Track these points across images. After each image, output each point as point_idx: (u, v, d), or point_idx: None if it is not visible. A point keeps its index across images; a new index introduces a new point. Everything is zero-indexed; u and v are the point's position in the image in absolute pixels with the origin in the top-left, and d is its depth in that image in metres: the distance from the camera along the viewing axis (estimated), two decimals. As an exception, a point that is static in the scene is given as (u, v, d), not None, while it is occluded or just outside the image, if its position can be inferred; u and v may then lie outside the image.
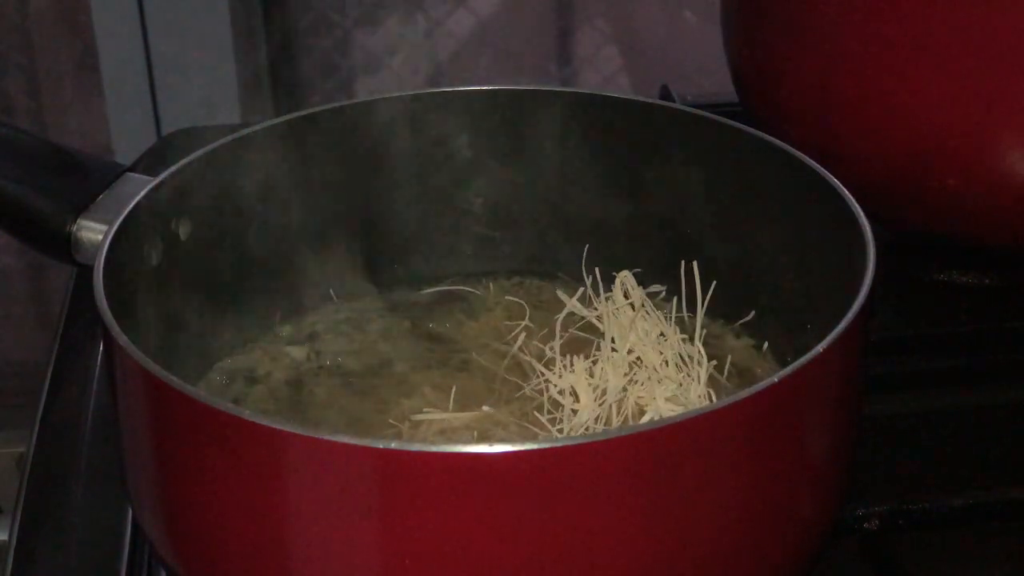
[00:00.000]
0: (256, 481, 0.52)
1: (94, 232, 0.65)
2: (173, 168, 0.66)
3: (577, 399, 0.65)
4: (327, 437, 0.51)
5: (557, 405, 0.65)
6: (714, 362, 0.67)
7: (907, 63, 0.78)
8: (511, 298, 0.74)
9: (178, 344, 0.67)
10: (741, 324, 0.71)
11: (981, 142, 0.78)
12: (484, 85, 0.74)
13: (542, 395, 0.66)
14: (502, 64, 1.55)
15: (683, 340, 0.68)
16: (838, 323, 0.55)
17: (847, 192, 0.63)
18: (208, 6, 1.36)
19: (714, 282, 0.69)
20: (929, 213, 0.81)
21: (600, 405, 0.64)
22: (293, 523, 0.53)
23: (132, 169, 0.68)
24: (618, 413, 0.64)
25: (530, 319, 0.71)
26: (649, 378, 0.65)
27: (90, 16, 1.38)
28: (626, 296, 0.69)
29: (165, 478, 0.57)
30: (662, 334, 0.68)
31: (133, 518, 0.69)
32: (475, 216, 0.76)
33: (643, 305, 0.69)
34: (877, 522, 0.68)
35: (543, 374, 0.66)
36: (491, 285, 0.76)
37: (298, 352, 0.71)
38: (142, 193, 0.64)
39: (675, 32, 1.54)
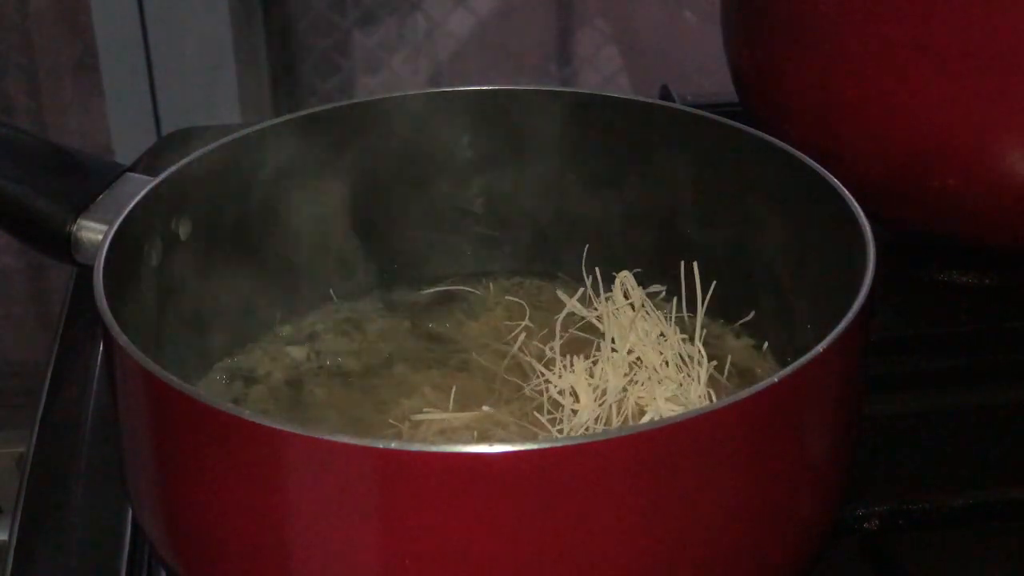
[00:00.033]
0: (256, 481, 0.52)
1: (94, 232, 0.65)
2: (173, 168, 0.66)
3: (577, 399, 0.65)
4: (327, 437, 0.51)
5: (557, 405, 0.65)
6: (714, 362, 0.67)
7: (907, 63, 0.78)
8: (511, 298, 0.74)
9: (178, 344, 0.67)
10: (741, 324, 0.71)
11: (981, 142, 0.78)
12: (484, 85, 0.74)
13: (542, 395, 0.66)
14: (502, 64, 1.55)
15: (683, 340, 0.68)
16: (838, 323, 0.55)
17: (847, 192, 0.63)
18: (208, 6, 1.36)
19: (714, 282, 0.69)
20: (929, 213, 0.81)
21: (600, 405, 0.64)
22: (293, 523, 0.53)
23: (132, 169, 0.68)
24: (618, 413, 0.64)
25: (530, 319, 0.71)
26: (649, 378, 0.65)
27: (90, 16, 1.38)
28: (626, 296, 0.69)
29: (165, 478, 0.57)
30: (662, 334, 0.68)
31: (133, 518, 0.69)
32: (475, 216, 0.76)
33: (643, 305, 0.69)
34: (877, 522, 0.68)
35: (543, 374, 0.66)
36: (491, 285, 0.76)
37: (298, 352, 0.71)
38: (142, 193, 0.64)
39: (675, 32, 1.54)
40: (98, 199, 0.66)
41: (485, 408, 0.66)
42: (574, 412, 0.64)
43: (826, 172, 0.64)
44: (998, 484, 0.71)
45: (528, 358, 0.69)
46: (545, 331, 0.70)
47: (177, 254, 0.66)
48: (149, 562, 0.68)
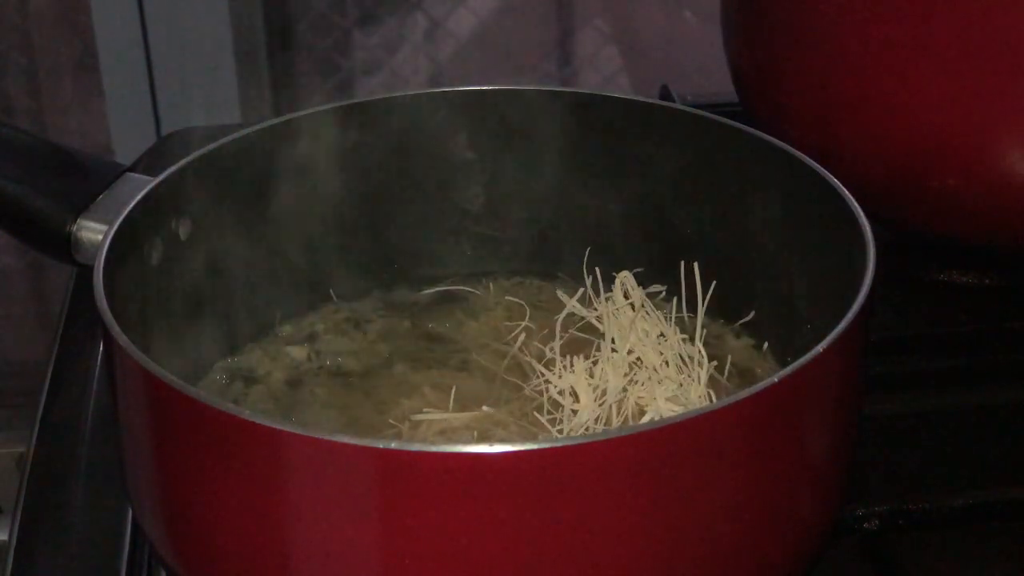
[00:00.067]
0: (256, 481, 0.52)
1: (94, 232, 0.65)
2: (173, 168, 0.66)
3: (577, 399, 0.65)
4: (327, 437, 0.51)
5: (557, 405, 0.65)
6: (714, 363, 0.67)
7: (907, 63, 0.78)
8: (511, 298, 0.74)
9: (178, 344, 0.67)
10: (741, 324, 0.71)
11: (981, 142, 0.78)
12: (484, 85, 0.73)
13: (542, 395, 0.66)
14: (502, 64, 1.55)
15: (683, 340, 0.68)
16: (838, 323, 0.55)
17: (847, 192, 0.63)
18: (208, 6, 1.37)
19: (714, 282, 0.69)
20: (929, 213, 0.81)
21: (600, 405, 0.64)
22: (293, 523, 0.53)
23: (132, 169, 0.68)
24: (618, 413, 0.64)
25: (530, 319, 0.71)
26: (649, 378, 0.65)
27: (90, 16, 1.38)
28: (626, 296, 0.69)
29: (165, 478, 0.57)
30: (662, 334, 0.68)
31: (133, 518, 0.69)
32: (475, 216, 0.76)
33: (643, 306, 0.69)
34: (877, 522, 0.68)
35: (543, 374, 0.66)
36: (491, 285, 0.76)
37: (298, 352, 0.71)
38: (142, 193, 0.64)
39: (675, 32, 1.54)
40: (98, 199, 0.66)
41: (485, 408, 0.66)
42: (574, 412, 0.64)
43: (826, 172, 0.64)
44: (998, 484, 0.71)
45: (528, 358, 0.69)
46: (545, 331, 0.70)
47: (177, 254, 0.66)
48: (149, 562, 0.68)
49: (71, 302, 0.87)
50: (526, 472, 0.50)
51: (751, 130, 0.69)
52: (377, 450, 0.50)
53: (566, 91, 0.73)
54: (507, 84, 0.73)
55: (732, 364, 0.68)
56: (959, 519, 0.68)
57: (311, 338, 0.72)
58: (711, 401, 0.65)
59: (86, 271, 0.61)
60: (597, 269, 0.72)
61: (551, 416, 0.65)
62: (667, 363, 0.66)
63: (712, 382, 0.66)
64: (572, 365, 0.66)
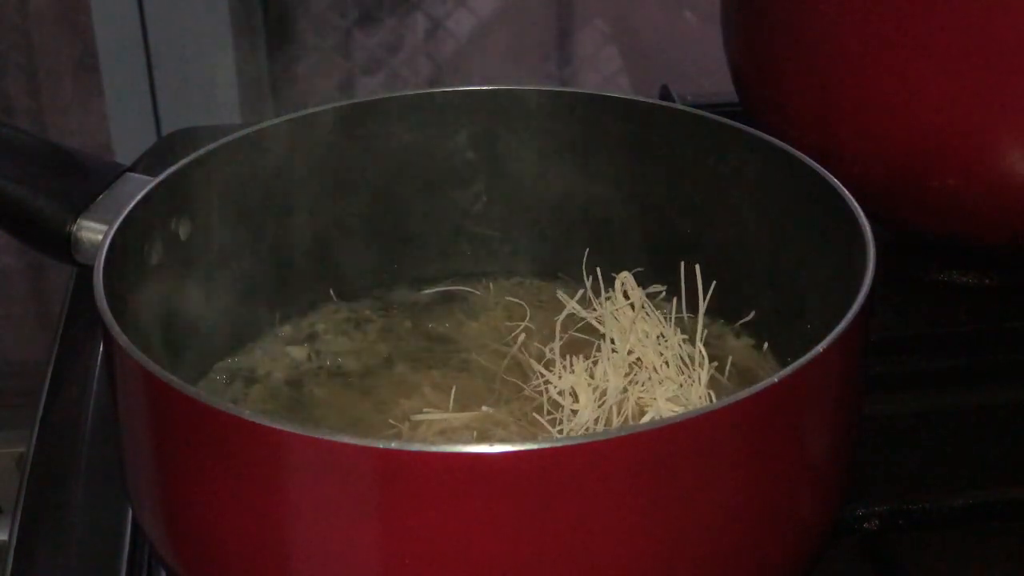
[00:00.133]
0: (256, 481, 0.52)
1: (94, 232, 0.65)
2: (173, 168, 0.66)
3: (577, 400, 0.65)
4: (327, 437, 0.51)
5: (557, 406, 0.65)
6: (715, 363, 0.67)
7: (907, 63, 0.78)
8: (511, 298, 0.74)
9: (178, 344, 0.67)
10: (741, 324, 0.71)
11: (981, 142, 0.78)
12: (484, 85, 0.73)
13: (542, 396, 0.66)
14: (502, 64, 1.55)
15: (684, 341, 0.68)
16: (838, 323, 0.55)
17: (847, 192, 0.63)
18: (208, 6, 1.36)
19: (714, 282, 0.69)
20: (929, 213, 0.81)
21: (600, 406, 0.64)
22: (293, 523, 0.53)
23: (132, 169, 0.68)
24: (618, 414, 0.64)
25: (530, 319, 0.71)
26: (649, 378, 0.65)
27: (90, 16, 1.38)
28: (626, 296, 0.69)
29: (165, 478, 0.57)
30: (662, 335, 0.68)
31: (133, 518, 0.69)
32: (475, 216, 0.76)
33: (643, 306, 0.69)
34: (877, 522, 0.68)
35: (543, 375, 0.66)
36: (491, 285, 0.76)
37: (298, 352, 0.71)
38: (142, 193, 0.64)
39: (675, 32, 1.54)
40: (98, 199, 0.66)
41: (485, 408, 0.66)
42: (574, 412, 0.64)
43: (826, 172, 0.64)
44: (998, 484, 0.71)
45: (528, 358, 0.69)
46: (545, 332, 0.70)
47: (177, 254, 0.66)
48: (149, 562, 0.68)
49: (71, 302, 0.87)
50: (526, 472, 0.50)
51: (751, 130, 0.69)
52: (377, 450, 0.50)
53: (566, 91, 0.73)
54: (507, 84, 0.73)
55: (732, 364, 0.68)
56: (959, 519, 0.68)
57: (311, 338, 0.73)
58: (711, 401, 0.65)
59: (86, 271, 0.61)
60: (598, 269, 0.72)
61: (551, 416, 0.65)
62: (667, 363, 0.66)
63: (712, 382, 0.66)
64: (572, 366, 0.66)
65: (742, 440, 0.53)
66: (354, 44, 1.52)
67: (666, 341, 0.67)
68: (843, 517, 0.65)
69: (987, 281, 0.85)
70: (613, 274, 0.70)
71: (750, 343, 0.70)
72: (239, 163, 0.69)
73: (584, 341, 0.69)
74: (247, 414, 0.52)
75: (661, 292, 0.71)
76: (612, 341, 0.67)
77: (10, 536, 0.70)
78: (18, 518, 0.71)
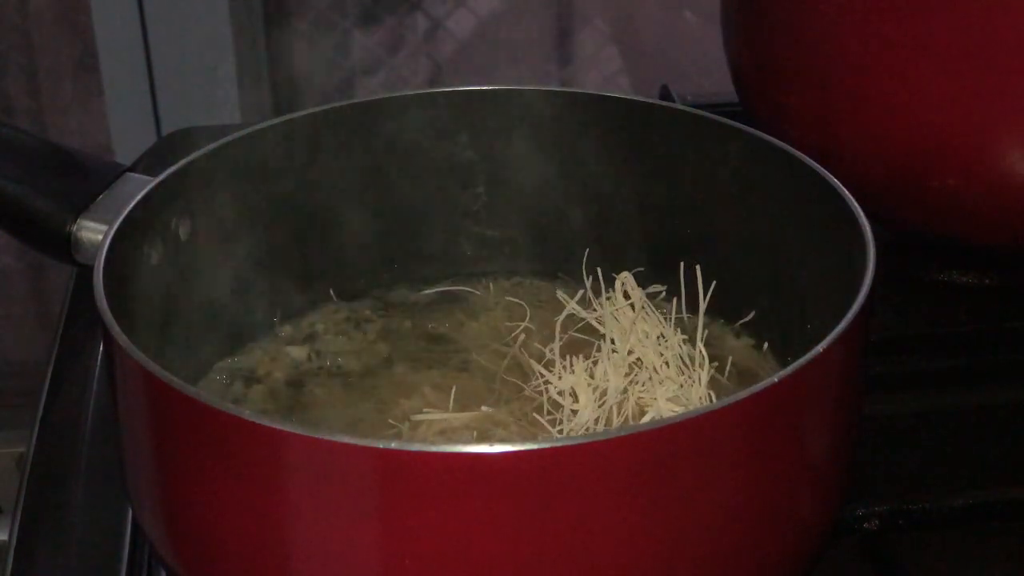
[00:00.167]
0: (256, 481, 0.52)
1: (94, 232, 0.65)
2: (173, 168, 0.66)
3: (577, 400, 0.65)
4: (327, 437, 0.51)
5: (557, 406, 0.65)
6: (715, 363, 0.67)
7: (907, 63, 0.78)
8: (511, 298, 0.74)
9: (178, 344, 0.67)
10: (741, 324, 0.71)
11: (981, 142, 0.78)
12: (484, 85, 0.73)
13: (542, 396, 0.66)
14: (502, 64, 1.55)
15: (684, 341, 0.68)
16: (838, 323, 0.55)
17: (847, 192, 0.63)
18: (208, 6, 1.36)
19: (714, 282, 0.69)
20: (929, 213, 0.81)
21: (600, 406, 0.64)
22: (293, 523, 0.53)
23: (132, 169, 0.68)
24: (619, 414, 0.64)
25: (530, 319, 0.71)
26: (650, 378, 0.65)
27: (90, 16, 1.38)
28: (626, 297, 0.69)
29: (165, 478, 0.57)
30: (662, 335, 0.68)
31: (133, 518, 0.69)
32: (475, 216, 0.76)
33: (643, 307, 0.69)
34: (877, 522, 0.68)
35: (543, 375, 0.66)
36: (491, 285, 0.76)
37: (298, 352, 0.71)
38: (142, 193, 0.64)
39: (675, 32, 1.54)
40: (98, 199, 0.66)
41: (485, 408, 0.66)
42: (574, 413, 0.64)
43: (826, 172, 0.64)
44: (998, 484, 0.71)
45: (528, 359, 0.69)
46: (546, 332, 0.70)
47: (177, 254, 0.66)
48: (149, 562, 0.68)
49: (71, 302, 0.87)
50: (526, 472, 0.50)
51: (751, 130, 0.69)
52: (377, 450, 0.50)
53: (566, 91, 0.73)
54: (507, 84, 0.73)
55: (732, 364, 0.68)
56: (959, 519, 0.68)
57: (311, 338, 0.73)
58: (712, 402, 0.65)
59: (86, 271, 0.61)
60: (598, 269, 0.72)
61: (551, 417, 0.65)
62: (667, 364, 0.66)
63: (713, 382, 0.66)
64: (572, 366, 0.66)
65: (742, 440, 0.53)
66: (354, 44, 1.52)
67: (666, 341, 0.67)
68: (843, 517, 0.65)
69: (987, 281, 0.85)
70: (613, 274, 0.70)
71: (750, 343, 0.70)
72: (239, 163, 0.69)
73: (584, 341, 0.69)
74: (247, 414, 0.52)
75: (661, 292, 0.71)
76: (612, 341, 0.67)
77: (10, 536, 0.70)
78: (18, 518, 0.71)
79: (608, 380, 0.65)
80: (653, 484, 0.52)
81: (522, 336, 0.70)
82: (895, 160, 0.80)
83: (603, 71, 1.55)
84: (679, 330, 0.68)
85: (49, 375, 0.81)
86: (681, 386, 0.65)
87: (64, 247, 0.66)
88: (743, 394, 0.52)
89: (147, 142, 1.11)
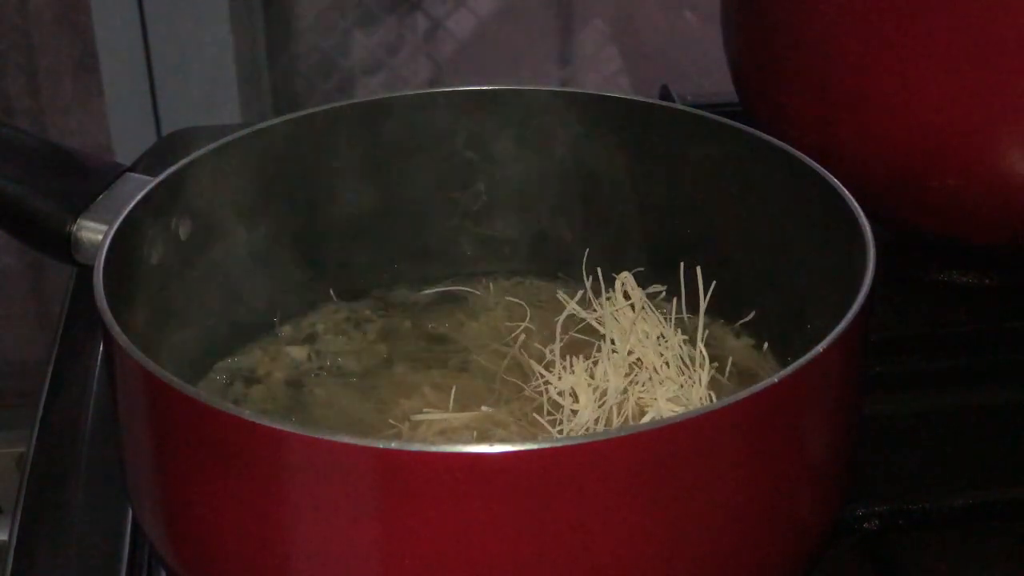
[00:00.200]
0: (256, 481, 0.52)
1: (94, 232, 0.65)
2: (173, 168, 0.66)
3: (577, 400, 0.65)
4: (327, 437, 0.51)
5: (557, 406, 0.65)
6: (715, 363, 0.67)
7: (907, 63, 0.78)
8: (511, 298, 0.74)
9: (178, 344, 0.67)
10: (741, 324, 0.71)
11: (981, 142, 0.78)
12: (484, 85, 0.73)
13: (542, 396, 0.66)
14: (502, 64, 1.55)
15: (684, 341, 0.68)
16: (838, 323, 0.55)
17: (847, 192, 0.63)
18: (208, 6, 1.37)
19: (714, 282, 0.69)
20: (929, 213, 0.81)
21: (600, 406, 0.64)
22: (293, 523, 0.53)
23: (132, 169, 0.68)
24: (619, 414, 0.64)
25: (530, 320, 0.71)
26: (650, 378, 0.65)
27: (90, 16, 1.38)
28: (626, 297, 0.69)
29: (165, 478, 0.57)
30: (662, 335, 0.68)
31: (133, 518, 0.69)
32: (475, 216, 0.76)
33: (643, 307, 0.69)
34: (877, 522, 0.68)
35: (543, 376, 0.66)
36: (491, 285, 0.76)
37: (298, 352, 0.71)
38: (142, 193, 0.64)
39: (675, 32, 1.54)
40: (98, 199, 0.66)
41: (485, 408, 0.66)
42: (574, 413, 0.64)
43: (826, 172, 0.64)
44: (998, 484, 0.71)
45: (528, 360, 0.69)
46: (546, 332, 0.70)
47: (177, 254, 0.66)
48: (149, 562, 0.68)
49: (71, 302, 0.87)
50: (526, 472, 0.50)
51: (751, 130, 0.69)
52: (377, 450, 0.50)
53: (566, 91, 0.73)
54: (507, 84, 0.73)
55: (732, 364, 0.68)
56: (959, 519, 0.68)
57: (311, 338, 0.73)
58: (712, 402, 0.65)
59: (86, 271, 0.61)
60: (598, 269, 0.72)
61: (551, 417, 0.65)
62: (667, 364, 0.66)
63: (713, 382, 0.66)
64: (572, 366, 0.66)
65: (742, 440, 0.53)
66: (354, 44, 1.52)
67: (666, 341, 0.67)
68: (843, 517, 0.65)
69: (987, 281, 0.85)
70: (613, 274, 0.70)
71: (750, 343, 0.70)
72: (239, 163, 0.69)
73: (584, 341, 0.69)
74: (247, 414, 0.52)
75: (661, 292, 0.71)
76: (612, 341, 0.67)
77: (10, 536, 0.70)
78: (18, 518, 0.71)
79: (608, 380, 0.65)
80: (653, 484, 0.52)
81: (522, 336, 0.70)
82: (895, 160, 0.80)
83: (603, 71, 1.55)
84: (679, 330, 0.68)
85: (49, 375, 0.81)
86: (681, 386, 0.65)
87: (64, 247, 0.66)
88: (743, 394, 0.52)
89: (147, 142, 1.11)
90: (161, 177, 0.65)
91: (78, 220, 0.65)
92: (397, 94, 0.73)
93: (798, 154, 0.66)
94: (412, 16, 1.52)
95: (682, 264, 0.70)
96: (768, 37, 0.85)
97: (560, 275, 0.75)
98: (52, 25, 1.46)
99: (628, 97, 0.73)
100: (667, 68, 1.52)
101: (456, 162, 0.74)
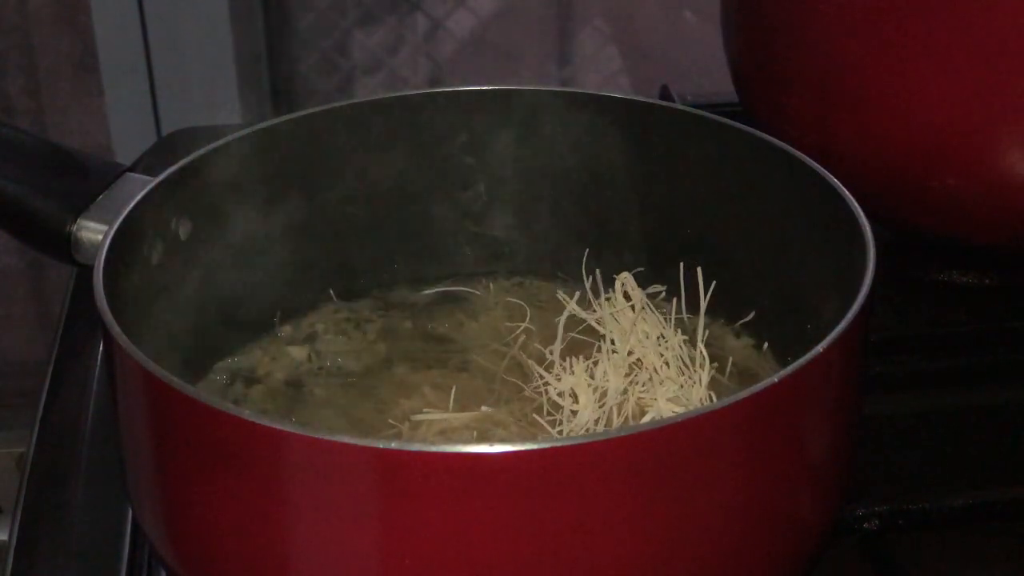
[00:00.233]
0: (256, 481, 0.52)
1: (94, 232, 0.65)
2: (173, 168, 0.66)
3: (577, 401, 0.65)
4: (327, 437, 0.51)
5: (557, 407, 0.65)
6: (715, 364, 0.67)
7: (907, 63, 0.78)
8: (511, 298, 0.74)
9: (178, 344, 0.67)
10: (741, 324, 0.71)
11: (981, 142, 0.78)
12: (484, 85, 0.73)
13: (542, 396, 0.66)
14: (502, 64, 1.55)
15: (684, 342, 0.68)
16: (838, 323, 0.55)
17: (847, 192, 0.63)
18: (208, 6, 1.36)
19: (714, 282, 0.69)
20: (929, 213, 0.81)
21: (601, 407, 0.64)
22: (293, 523, 0.53)
23: (132, 169, 0.68)
24: (619, 415, 0.64)
25: (530, 320, 0.71)
26: (650, 379, 0.65)
27: (90, 16, 1.38)
28: (627, 297, 0.69)
29: (165, 478, 0.57)
30: (662, 335, 0.68)
31: (133, 518, 0.69)
32: (475, 216, 0.76)
33: (643, 308, 0.69)
34: (877, 522, 0.68)
35: (543, 377, 0.66)
36: (491, 285, 0.76)
37: (298, 352, 0.71)
38: (142, 193, 0.64)
39: (675, 32, 1.54)
40: (98, 199, 0.66)
41: (485, 408, 0.66)
42: (574, 413, 0.64)
43: (826, 172, 0.64)
44: (998, 484, 0.71)
45: (528, 361, 0.69)
46: (546, 332, 0.70)
47: (177, 254, 0.66)
48: (149, 562, 0.68)
49: (71, 302, 0.87)
50: (526, 472, 0.50)
51: (751, 130, 0.69)
52: (377, 450, 0.50)
53: (566, 91, 0.73)
54: (507, 84, 0.73)
55: (732, 364, 0.68)
56: (959, 519, 0.69)
57: (311, 338, 0.73)
58: (712, 402, 0.65)
59: (86, 271, 0.61)
60: (597, 271, 0.72)
61: (551, 418, 0.65)
62: (667, 364, 0.66)
63: (712, 382, 0.66)
64: (571, 367, 0.66)
65: (742, 440, 0.53)
66: (354, 44, 1.52)
67: (666, 342, 0.67)
68: (843, 517, 0.65)
69: (987, 281, 0.85)
70: (613, 275, 0.70)
71: (750, 343, 0.70)
72: (239, 163, 0.69)
73: (584, 342, 0.69)
74: (247, 414, 0.52)
75: (661, 292, 0.71)
76: (612, 342, 0.67)
77: (10, 536, 0.70)
78: (18, 518, 0.71)
79: (608, 381, 0.65)
80: (653, 484, 0.52)
81: (522, 337, 0.70)
82: (895, 160, 0.80)
83: (603, 71, 1.55)
84: (679, 330, 0.68)
85: (49, 375, 0.81)
86: (681, 387, 0.65)
87: (64, 247, 0.66)
88: (743, 394, 0.52)
89: (147, 142, 1.11)
90: (161, 177, 0.65)
91: (78, 220, 0.65)
92: (397, 94, 0.73)
93: (798, 154, 0.66)
94: (412, 16, 1.52)
95: (682, 264, 0.70)
96: (768, 37, 0.85)
97: (560, 275, 0.75)
98: (52, 25, 1.46)
99: (628, 97, 0.73)
100: (667, 68, 1.52)
101: (456, 162, 0.74)
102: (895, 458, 0.73)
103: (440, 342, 0.72)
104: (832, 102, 0.81)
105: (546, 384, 0.66)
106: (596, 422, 0.64)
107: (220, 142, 0.68)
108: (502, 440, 0.55)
